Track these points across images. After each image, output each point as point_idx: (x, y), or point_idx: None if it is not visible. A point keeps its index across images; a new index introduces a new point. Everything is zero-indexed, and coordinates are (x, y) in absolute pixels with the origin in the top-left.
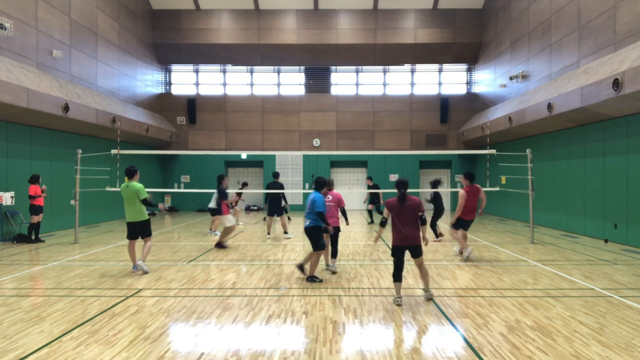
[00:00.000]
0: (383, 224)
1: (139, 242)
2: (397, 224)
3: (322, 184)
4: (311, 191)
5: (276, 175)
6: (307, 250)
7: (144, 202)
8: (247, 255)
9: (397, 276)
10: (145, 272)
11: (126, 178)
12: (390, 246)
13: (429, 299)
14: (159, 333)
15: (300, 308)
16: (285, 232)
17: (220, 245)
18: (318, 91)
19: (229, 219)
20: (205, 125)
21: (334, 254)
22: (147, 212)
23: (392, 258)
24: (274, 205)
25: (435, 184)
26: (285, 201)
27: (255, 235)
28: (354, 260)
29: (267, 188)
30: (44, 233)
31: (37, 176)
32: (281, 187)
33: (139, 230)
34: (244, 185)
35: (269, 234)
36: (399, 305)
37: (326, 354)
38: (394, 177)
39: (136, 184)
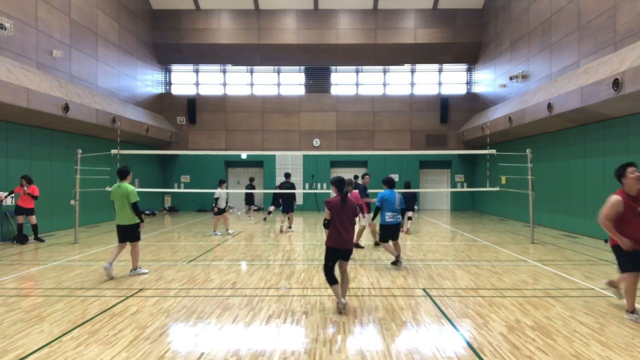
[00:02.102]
0: (327, 225)
1: (129, 246)
2: (337, 225)
3: (393, 182)
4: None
5: (288, 175)
6: (306, 251)
7: (134, 206)
8: (247, 255)
9: (334, 278)
10: (144, 273)
11: (118, 179)
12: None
13: (344, 305)
14: (159, 333)
15: (300, 308)
16: (290, 227)
17: (356, 245)
18: (318, 91)
19: (363, 219)
20: (205, 125)
21: None
22: (147, 212)
23: (325, 261)
24: (287, 203)
25: (408, 184)
26: (294, 200)
27: (255, 235)
28: (354, 260)
29: (280, 188)
30: (44, 233)
31: (21, 178)
32: (293, 186)
33: (129, 234)
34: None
35: (290, 227)
36: (342, 311)
37: (326, 354)
38: (394, 178)
39: (128, 186)
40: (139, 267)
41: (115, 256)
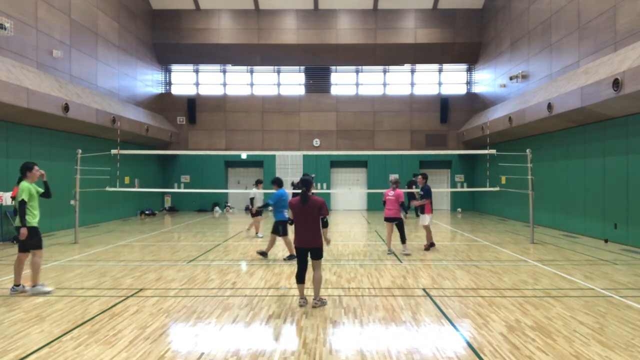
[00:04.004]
0: (290, 222)
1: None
2: (297, 225)
3: (281, 182)
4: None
5: (305, 175)
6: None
7: (19, 205)
8: (247, 255)
9: (300, 278)
10: (46, 293)
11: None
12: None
13: (314, 306)
14: (159, 333)
15: (300, 308)
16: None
17: (431, 245)
18: (318, 91)
19: (424, 219)
20: (205, 125)
21: (403, 240)
22: (147, 212)
23: (297, 259)
24: None
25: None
26: None
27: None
28: (354, 260)
29: (296, 188)
30: (44, 233)
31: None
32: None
33: (26, 240)
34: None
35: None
36: (302, 306)
37: (326, 354)
38: (394, 177)
39: (21, 184)
40: (40, 285)
41: (21, 270)
